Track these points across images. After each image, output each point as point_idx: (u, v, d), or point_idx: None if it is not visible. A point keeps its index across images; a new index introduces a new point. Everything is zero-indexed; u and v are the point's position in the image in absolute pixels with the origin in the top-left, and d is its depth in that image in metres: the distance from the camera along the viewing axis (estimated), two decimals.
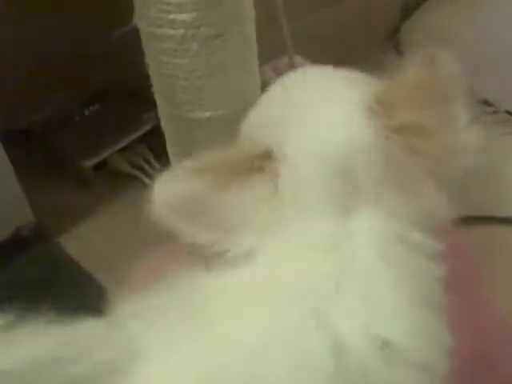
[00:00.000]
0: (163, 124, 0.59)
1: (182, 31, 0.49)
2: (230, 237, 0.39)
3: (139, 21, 0.51)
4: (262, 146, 0.39)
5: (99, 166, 1.04)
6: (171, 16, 0.49)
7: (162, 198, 0.40)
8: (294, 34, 0.90)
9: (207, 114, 0.55)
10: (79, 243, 0.98)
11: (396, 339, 0.38)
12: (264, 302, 0.37)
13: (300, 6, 1.06)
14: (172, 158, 0.61)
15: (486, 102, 1.14)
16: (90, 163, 1.03)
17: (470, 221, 0.96)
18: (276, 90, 0.42)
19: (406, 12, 1.30)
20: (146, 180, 1.03)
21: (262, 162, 0.39)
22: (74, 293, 0.92)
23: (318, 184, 0.38)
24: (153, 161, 1.05)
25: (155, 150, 1.04)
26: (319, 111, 0.40)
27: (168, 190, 0.40)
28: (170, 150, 0.60)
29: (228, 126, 0.59)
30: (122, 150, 1.05)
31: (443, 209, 0.41)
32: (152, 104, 1.08)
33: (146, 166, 1.05)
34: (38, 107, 1.09)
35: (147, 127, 1.05)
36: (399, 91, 0.42)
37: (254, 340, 0.35)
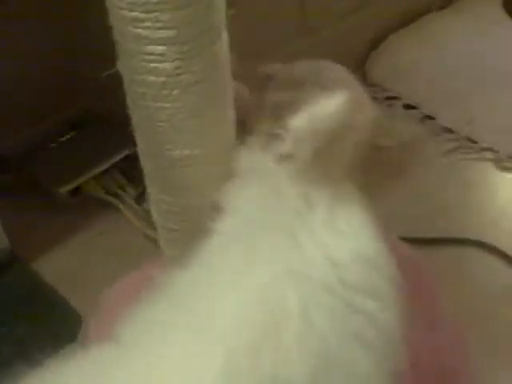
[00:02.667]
0: (142, 160, 0.62)
1: (163, 79, 0.52)
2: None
3: (122, 68, 0.54)
4: None
5: (74, 192, 1.06)
6: (153, 65, 0.52)
7: None
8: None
9: (186, 152, 0.58)
10: (54, 268, 1.00)
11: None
12: None
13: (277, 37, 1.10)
14: (149, 189, 0.64)
15: (449, 130, 1.20)
16: (65, 189, 1.05)
17: (434, 242, 1.01)
18: None
19: (375, 44, 1.36)
20: (121, 206, 1.06)
21: None
22: (49, 317, 0.93)
23: None
24: (127, 187, 1.07)
25: (130, 176, 1.07)
26: None
27: None
28: (147, 183, 0.63)
29: (205, 163, 0.62)
30: (97, 176, 1.07)
31: None
32: (127, 131, 1.11)
33: (121, 193, 1.07)
34: (14, 133, 1.11)
35: (122, 154, 1.08)
36: None
37: None
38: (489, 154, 1.15)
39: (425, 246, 1.01)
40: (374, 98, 1.24)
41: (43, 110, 1.11)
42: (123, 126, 1.13)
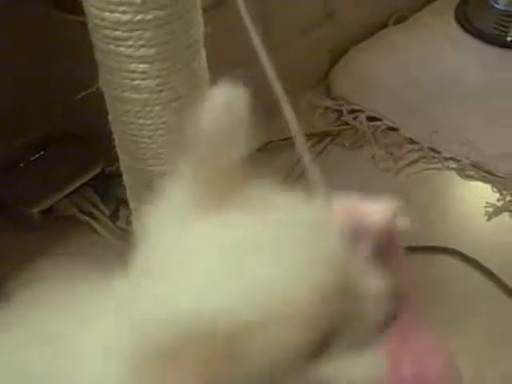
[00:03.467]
0: (124, 175, 0.63)
1: (146, 95, 0.54)
2: None
3: (104, 85, 0.56)
4: None
5: (47, 212, 1.06)
6: (136, 82, 0.53)
7: None
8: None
9: (166, 167, 0.60)
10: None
11: None
12: None
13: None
14: (132, 204, 0.65)
15: (411, 140, 1.24)
16: (37, 209, 1.05)
17: (410, 250, 1.03)
18: None
19: (334, 58, 1.39)
20: (94, 224, 1.06)
21: None
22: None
23: None
24: (100, 205, 1.08)
25: (103, 194, 1.08)
26: None
27: None
28: (130, 198, 0.65)
29: None
30: (70, 195, 1.07)
31: None
32: (98, 149, 1.11)
33: (94, 211, 1.07)
34: None
35: (94, 172, 1.08)
36: None
37: None
38: (452, 164, 1.19)
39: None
40: (339, 111, 1.29)
41: (11, 130, 1.11)
42: (94, 144, 1.14)
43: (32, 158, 1.13)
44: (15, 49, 1.03)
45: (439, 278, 1.02)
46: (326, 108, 1.32)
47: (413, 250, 1.05)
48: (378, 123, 1.27)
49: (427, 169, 1.20)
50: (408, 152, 1.22)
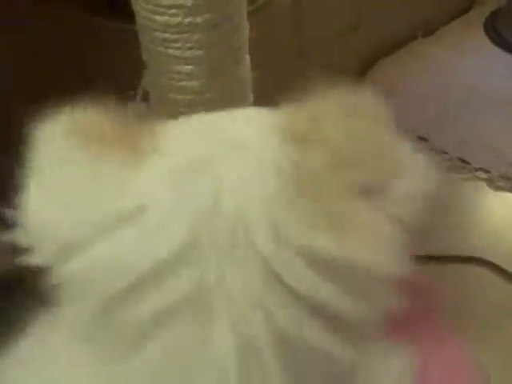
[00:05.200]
0: None
1: (190, 97, 0.55)
2: None
3: (150, 86, 0.57)
4: None
5: None
6: (181, 83, 0.54)
7: None
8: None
9: None
10: None
11: None
12: None
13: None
14: None
15: (442, 151, 1.23)
16: None
17: (433, 260, 1.03)
18: None
19: (363, 68, 1.40)
20: None
21: None
22: None
23: None
24: None
25: None
26: None
27: None
28: None
29: None
30: None
31: None
32: None
33: None
34: None
35: None
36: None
37: None
38: (482, 174, 1.18)
39: (422, 262, 1.03)
40: None
41: None
42: None
43: None
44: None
45: (469, 288, 1.01)
46: None
47: (443, 259, 1.05)
48: (409, 133, 1.27)
49: (458, 178, 1.20)
50: (438, 162, 1.22)
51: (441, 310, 0.96)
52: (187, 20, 0.51)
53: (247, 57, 0.57)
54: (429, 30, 1.51)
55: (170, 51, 0.53)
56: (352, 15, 1.33)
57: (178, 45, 0.53)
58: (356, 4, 1.32)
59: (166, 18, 0.50)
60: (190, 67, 0.54)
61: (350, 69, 1.38)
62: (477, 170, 1.19)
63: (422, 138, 1.26)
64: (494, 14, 1.52)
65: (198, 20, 0.51)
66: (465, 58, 1.44)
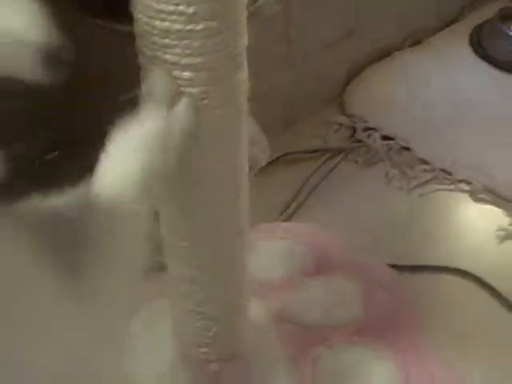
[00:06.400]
0: None
1: None
2: None
3: (148, 93, 0.56)
4: None
5: None
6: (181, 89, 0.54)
7: None
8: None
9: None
10: None
11: None
12: None
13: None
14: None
15: (424, 161, 1.25)
16: None
17: (414, 269, 1.05)
18: None
19: (351, 76, 1.41)
20: None
21: None
22: None
23: None
24: None
25: None
26: None
27: None
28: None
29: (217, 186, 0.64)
30: None
31: None
32: None
33: None
34: None
35: None
36: None
37: None
38: (464, 186, 1.20)
39: (405, 272, 1.05)
40: (353, 128, 1.30)
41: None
42: None
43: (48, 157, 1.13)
44: None
45: (447, 298, 1.03)
46: (340, 124, 1.33)
47: (422, 268, 1.06)
48: (392, 142, 1.28)
49: (439, 190, 1.21)
50: (420, 172, 1.23)
51: (420, 323, 0.97)
52: (188, 27, 0.51)
53: (245, 65, 0.57)
54: (415, 40, 1.53)
55: (169, 57, 0.53)
56: (346, 23, 1.34)
57: (177, 51, 0.52)
58: (348, 12, 1.33)
59: (167, 24, 0.50)
60: (188, 74, 0.53)
61: (338, 76, 1.39)
62: (459, 181, 1.21)
63: (405, 148, 1.27)
64: (479, 28, 1.54)
65: (199, 27, 0.51)
66: (450, 70, 1.45)
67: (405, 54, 1.48)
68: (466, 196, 1.19)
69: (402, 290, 0.98)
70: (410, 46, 1.51)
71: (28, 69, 0.40)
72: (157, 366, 0.83)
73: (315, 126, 1.30)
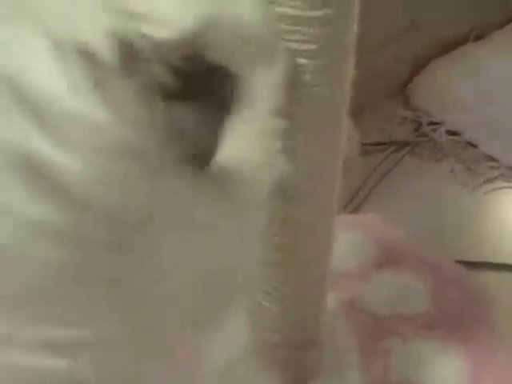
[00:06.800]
0: None
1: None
2: None
3: None
4: None
5: None
6: None
7: None
8: None
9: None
10: None
11: None
12: None
13: None
14: None
15: (490, 158, 1.23)
16: None
17: (486, 266, 1.04)
18: None
19: (415, 69, 1.40)
20: None
21: None
22: None
23: None
24: None
25: None
26: None
27: None
28: None
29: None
30: None
31: None
32: None
33: None
34: None
35: None
36: None
37: None
38: None
39: (474, 269, 1.04)
40: (418, 122, 1.30)
41: None
42: None
43: None
44: None
45: (504, 295, 1.02)
46: (404, 118, 1.32)
47: (483, 265, 1.05)
48: (457, 137, 1.27)
49: (505, 187, 1.20)
50: (486, 169, 1.22)
51: (489, 319, 0.97)
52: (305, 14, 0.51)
53: (353, 52, 0.58)
54: (480, 34, 1.51)
55: (287, 44, 0.53)
56: (409, 16, 1.33)
57: (296, 37, 0.53)
58: (413, 4, 1.32)
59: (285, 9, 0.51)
60: (302, 60, 0.54)
61: (402, 68, 1.38)
62: None
63: (471, 144, 1.26)
64: None
65: (316, 14, 0.51)
66: None
67: (470, 48, 1.47)
68: None
69: (472, 287, 0.98)
70: (474, 40, 1.50)
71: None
72: (229, 351, 0.84)
73: (380, 119, 1.30)
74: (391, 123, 1.30)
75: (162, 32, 0.36)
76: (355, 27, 0.55)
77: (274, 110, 0.46)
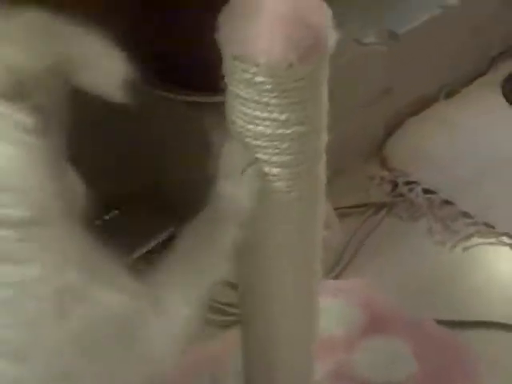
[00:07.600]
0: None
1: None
2: None
3: None
4: None
5: None
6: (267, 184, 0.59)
7: None
8: None
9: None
10: None
11: None
12: None
13: None
14: None
15: (467, 214, 1.27)
16: None
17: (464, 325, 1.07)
18: None
19: (389, 129, 1.45)
20: None
21: None
22: None
23: None
24: None
25: None
26: None
27: None
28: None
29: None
30: (143, 255, 1.12)
31: None
32: (170, 209, 1.15)
33: None
34: None
35: (167, 232, 1.13)
36: None
37: None
38: (506, 239, 1.22)
39: (458, 327, 1.07)
40: (395, 183, 1.34)
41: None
42: (166, 204, 1.18)
43: (106, 217, 1.18)
44: None
45: (495, 353, 1.04)
46: (382, 179, 1.36)
47: (467, 325, 1.08)
48: (434, 196, 1.31)
49: (482, 243, 1.23)
50: (463, 226, 1.26)
51: (472, 376, 0.99)
52: (278, 131, 0.55)
53: (324, 156, 0.62)
54: (451, 91, 1.56)
55: (259, 155, 0.57)
56: (384, 81, 1.37)
57: (269, 151, 0.57)
58: (384, 71, 1.37)
59: (260, 128, 0.55)
60: (276, 169, 0.58)
61: (376, 130, 1.43)
62: (501, 234, 1.23)
63: (448, 202, 1.30)
64: (510, 76, 1.58)
65: (288, 131, 0.56)
66: (485, 121, 1.48)
67: (441, 107, 1.52)
68: (507, 249, 1.21)
69: (457, 346, 1.01)
70: (445, 97, 1.55)
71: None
72: None
73: (357, 181, 1.33)
74: (368, 185, 1.34)
75: None
76: (325, 136, 0.60)
77: None
